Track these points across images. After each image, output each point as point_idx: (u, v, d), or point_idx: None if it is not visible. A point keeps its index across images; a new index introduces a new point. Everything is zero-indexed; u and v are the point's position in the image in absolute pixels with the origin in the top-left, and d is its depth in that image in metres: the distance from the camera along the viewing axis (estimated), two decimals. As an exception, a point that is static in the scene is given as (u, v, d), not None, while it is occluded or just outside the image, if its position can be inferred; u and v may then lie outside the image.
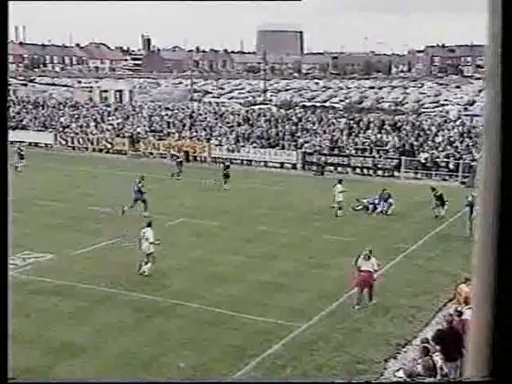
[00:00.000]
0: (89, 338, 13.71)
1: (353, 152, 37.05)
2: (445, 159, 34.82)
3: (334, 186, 25.79)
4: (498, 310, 0.74)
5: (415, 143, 36.69)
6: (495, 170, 0.71)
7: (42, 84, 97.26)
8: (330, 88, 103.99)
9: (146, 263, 17.82)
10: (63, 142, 44.32)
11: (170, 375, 12.14)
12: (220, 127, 42.71)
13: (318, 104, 70.03)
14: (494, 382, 0.76)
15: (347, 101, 79.25)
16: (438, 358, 10.59)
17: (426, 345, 10.80)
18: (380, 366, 12.63)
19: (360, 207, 26.38)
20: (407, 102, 77.98)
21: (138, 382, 11.45)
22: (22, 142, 42.35)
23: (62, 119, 47.81)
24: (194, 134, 42.03)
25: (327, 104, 70.64)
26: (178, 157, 35.43)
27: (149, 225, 18.28)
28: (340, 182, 26.33)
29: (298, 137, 39.56)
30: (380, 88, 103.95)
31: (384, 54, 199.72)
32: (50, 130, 45.91)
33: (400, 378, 10.55)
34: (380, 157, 35.98)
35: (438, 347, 10.92)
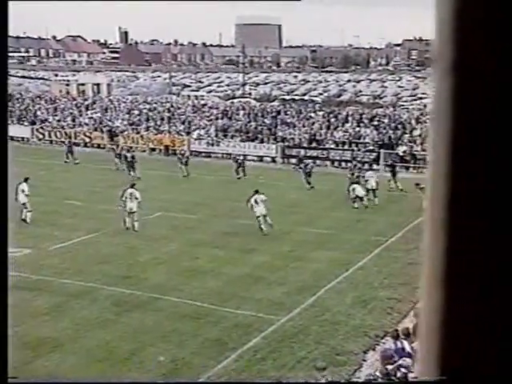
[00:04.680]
0: (66, 333, 13.59)
1: (332, 145, 37.17)
2: (423, 152, 35.05)
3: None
4: (449, 300, 0.70)
5: (393, 136, 36.89)
6: (444, 159, 0.69)
7: (17, 77, 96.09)
8: (308, 81, 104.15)
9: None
10: (40, 136, 43.81)
11: (149, 369, 12.09)
12: (199, 121, 42.55)
13: (296, 97, 70.06)
14: (446, 381, 0.72)
15: (326, 94, 79.44)
16: (406, 343, 10.65)
17: (396, 329, 10.94)
18: (359, 357, 12.70)
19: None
20: (385, 96, 78.39)
21: (138, 382, 11.42)
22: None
23: (38, 113, 47.27)
24: (173, 127, 41.82)
25: (306, 97, 70.68)
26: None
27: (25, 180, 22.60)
28: None
29: (278, 130, 39.58)
30: (358, 81, 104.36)
31: (362, 48, 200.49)
32: (27, 123, 45.36)
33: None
34: (359, 150, 36.12)
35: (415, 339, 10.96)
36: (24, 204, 22.49)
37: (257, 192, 21.74)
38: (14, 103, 50.52)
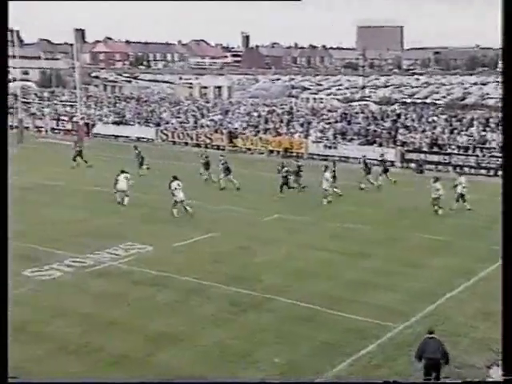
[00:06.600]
0: (184, 329, 13.96)
1: (454, 150, 35.84)
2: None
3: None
4: None
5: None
6: None
7: (145, 80, 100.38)
8: (431, 84, 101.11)
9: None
10: (164, 137, 45.54)
11: (264, 369, 12.15)
12: (317, 123, 42.47)
13: (418, 100, 68.18)
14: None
15: (449, 97, 76.79)
16: None
17: None
18: (481, 372, 12.09)
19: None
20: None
21: (138, 382, 11.54)
22: (127, 136, 43.92)
23: (164, 115, 49.13)
24: (292, 130, 42.01)
25: (428, 100, 68.65)
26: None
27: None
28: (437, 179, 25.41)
29: (398, 134, 38.68)
30: (485, 84, 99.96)
31: (490, 48, 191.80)
32: (152, 125, 47.29)
33: None
34: (484, 155, 34.58)
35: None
36: (124, 191, 25.82)
37: (326, 168, 27.16)
38: (141, 105, 52.85)
